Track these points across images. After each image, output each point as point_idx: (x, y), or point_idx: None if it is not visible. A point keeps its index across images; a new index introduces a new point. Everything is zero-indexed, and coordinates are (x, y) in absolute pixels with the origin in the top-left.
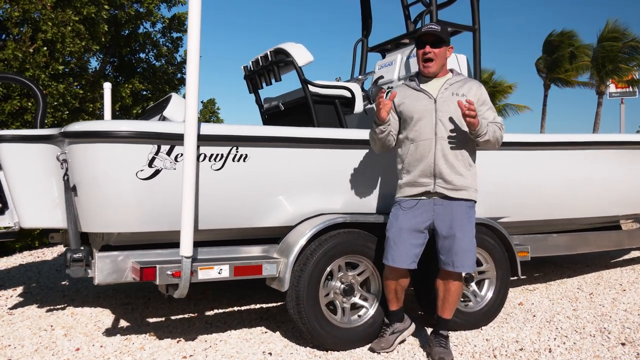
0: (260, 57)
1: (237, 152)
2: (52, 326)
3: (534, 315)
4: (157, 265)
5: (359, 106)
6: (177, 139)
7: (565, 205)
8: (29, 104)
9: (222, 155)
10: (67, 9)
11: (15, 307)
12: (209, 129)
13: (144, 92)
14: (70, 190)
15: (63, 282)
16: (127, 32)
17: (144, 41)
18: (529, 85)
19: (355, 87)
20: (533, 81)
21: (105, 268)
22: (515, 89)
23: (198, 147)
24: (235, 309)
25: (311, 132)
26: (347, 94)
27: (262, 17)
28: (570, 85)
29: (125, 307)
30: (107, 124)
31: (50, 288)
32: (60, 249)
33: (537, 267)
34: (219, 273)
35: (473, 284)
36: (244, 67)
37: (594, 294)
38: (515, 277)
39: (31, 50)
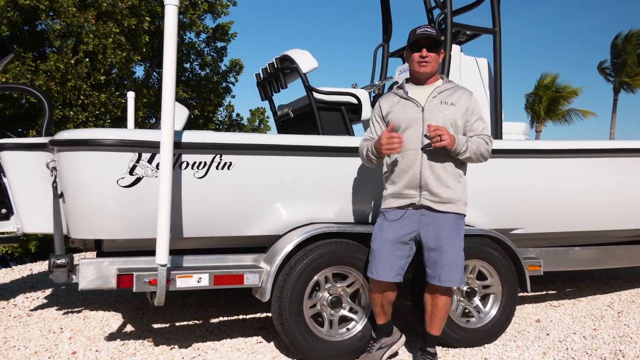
0: (269, 64)
1: (220, 159)
2: (61, 329)
3: (548, 334)
4: (134, 273)
5: (366, 113)
6: (158, 147)
7: (590, 216)
8: (71, 113)
9: (205, 163)
10: (108, 22)
11: (36, 308)
12: (191, 136)
13: (190, 101)
14: (57, 197)
15: None
16: None
17: (188, 51)
18: (597, 90)
19: (362, 94)
20: (601, 85)
21: (88, 274)
22: (582, 93)
23: (180, 155)
24: (240, 317)
25: (296, 139)
26: (353, 100)
27: (318, 23)
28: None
29: (137, 311)
30: (90, 132)
31: (76, 291)
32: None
33: (571, 281)
34: (198, 282)
35: (476, 298)
36: (256, 74)
37: (624, 312)
38: (525, 293)
39: (73, 61)
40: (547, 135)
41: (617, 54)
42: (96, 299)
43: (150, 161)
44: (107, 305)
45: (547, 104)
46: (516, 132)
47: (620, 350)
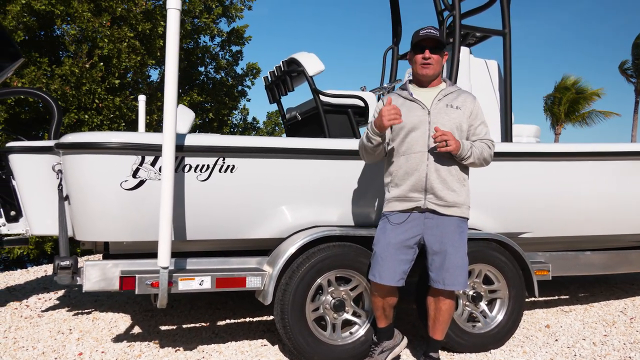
0: (276, 67)
1: (223, 162)
2: (70, 330)
3: (557, 340)
4: (137, 275)
5: (372, 116)
6: (161, 150)
7: (601, 220)
8: (86, 116)
9: (208, 166)
10: (123, 26)
11: (47, 309)
12: (194, 139)
13: (205, 104)
14: (63, 199)
15: None
16: (185, 46)
17: (203, 55)
18: (618, 91)
19: (369, 96)
20: (623, 87)
21: (92, 276)
22: (603, 95)
23: (183, 158)
24: (247, 319)
25: (299, 142)
26: (360, 103)
27: (335, 25)
28: None
29: (146, 313)
30: (95, 135)
31: (88, 292)
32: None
33: (585, 286)
34: (200, 284)
35: (482, 303)
36: (264, 77)
37: (636, 318)
38: (533, 298)
39: (88, 65)
40: (566, 138)
41: (639, 55)
42: (107, 301)
43: (153, 164)
44: (117, 306)
45: (567, 106)
46: (527, 135)
47: (630, 357)
